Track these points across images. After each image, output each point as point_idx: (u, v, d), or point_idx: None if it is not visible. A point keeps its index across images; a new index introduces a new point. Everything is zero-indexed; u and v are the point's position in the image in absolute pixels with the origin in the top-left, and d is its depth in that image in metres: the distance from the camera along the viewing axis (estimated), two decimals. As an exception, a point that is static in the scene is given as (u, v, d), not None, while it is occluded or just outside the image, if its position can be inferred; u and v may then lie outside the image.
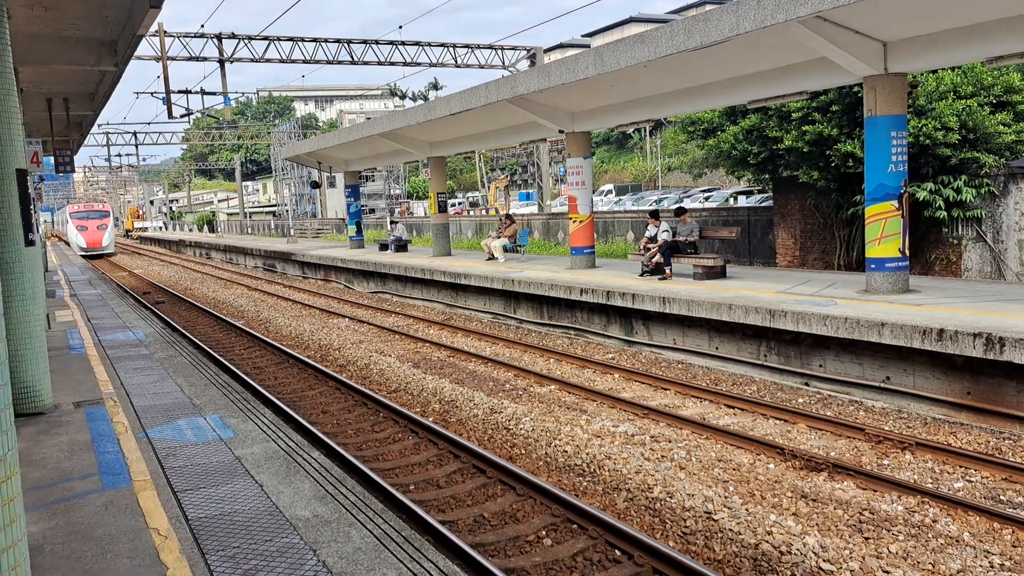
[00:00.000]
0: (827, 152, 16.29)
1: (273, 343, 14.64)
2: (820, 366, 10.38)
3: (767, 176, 20.41)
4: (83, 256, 45.13)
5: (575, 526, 6.36)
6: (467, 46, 30.17)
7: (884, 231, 11.07)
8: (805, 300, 11.12)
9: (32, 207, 11.20)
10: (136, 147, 52.83)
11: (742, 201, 30.94)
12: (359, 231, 30.51)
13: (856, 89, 14.85)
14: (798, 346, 10.66)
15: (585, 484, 7.39)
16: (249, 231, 62.21)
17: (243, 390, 8.83)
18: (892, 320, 9.23)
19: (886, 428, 8.48)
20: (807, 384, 10.44)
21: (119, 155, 57.53)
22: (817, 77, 12.02)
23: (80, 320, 14.58)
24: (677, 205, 22.46)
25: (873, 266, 11.34)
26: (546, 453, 8.17)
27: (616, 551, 5.91)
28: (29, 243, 7.30)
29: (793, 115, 16.88)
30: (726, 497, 6.72)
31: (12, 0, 9.70)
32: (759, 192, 29.68)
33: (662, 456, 7.87)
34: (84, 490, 5.45)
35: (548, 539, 6.23)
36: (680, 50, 11.68)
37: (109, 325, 14.05)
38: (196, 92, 28.37)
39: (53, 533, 4.72)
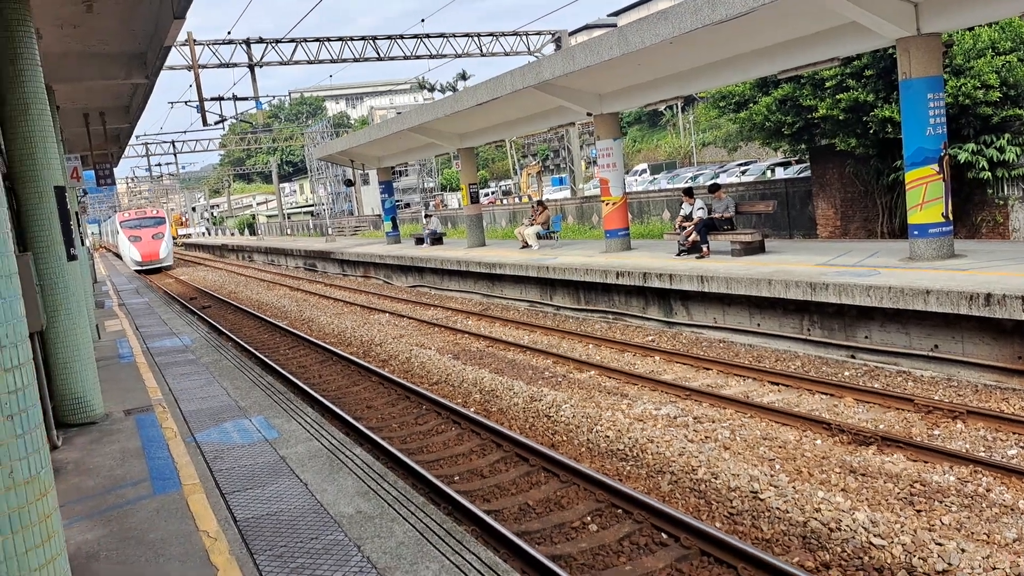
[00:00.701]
0: (864, 118, 15.92)
1: (316, 342, 14.83)
2: (866, 337, 10.18)
3: (803, 146, 20.02)
4: (138, 271, 39.52)
5: (620, 511, 6.35)
6: (491, 34, 30.07)
7: (925, 196, 10.79)
8: (847, 271, 10.90)
9: (76, 222, 11.47)
10: (175, 155, 53.73)
11: (780, 173, 30.42)
12: (395, 226, 30.71)
13: (890, 52, 14.45)
14: (842, 318, 10.47)
15: (628, 468, 7.37)
16: (289, 232, 63.06)
17: (287, 390, 8.97)
18: (938, 287, 9.01)
19: (936, 397, 8.30)
20: (853, 357, 10.25)
21: (159, 164, 58.67)
22: (848, 42, 11.74)
23: (129, 329, 14.93)
24: (712, 181, 22.17)
25: (916, 232, 11.07)
26: (588, 439, 8.16)
27: (662, 534, 5.89)
28: (71, 258, 7.48)
29: (827, 83, 16.50)
30: (772, 475, 6.64)
31: (41, 20, 9.91)
32: (797, 163, 29.13)
33: (706, 437, 7.81)
34: (136, 496, 5.59)
35: (593, 525, 6.23)
36: (705, 24, 11.49)
37: (157, 332, 14.36)
38: (228, 98, 28.75)
39: (108, 540, 4.85)
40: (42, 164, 7.16)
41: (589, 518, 6.35)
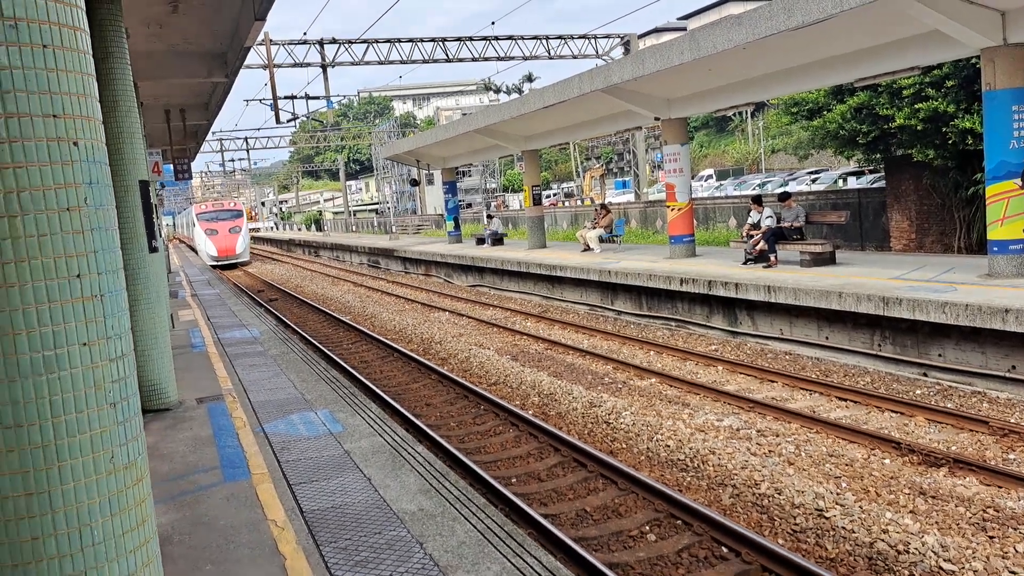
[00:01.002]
0: (943, 129, 15.43)
1: (378, 337, 15.07)
2: (939, 356, 9.87)
3: (878, 156, 19.51)
4: (213, 266, 36.95)
5: (679, 522, 6.30)
6: (560, 37, 30.08)
7: (1007, 211, 10.41)
8: (922, 286, 10.59)
9: (155, 214, 11.89)
10: (247, 152, 55.28)
11: (852, 182, 29.69)
12: (457, 226, 30.98)
13: (973, 61, 13.98)
14: (915, 335, 10.17)
15: (689, 479, 7.30)
16: (354, 229, 64.14)
17: (351, 384, 9.15)
18: (1017, 306, 8.69)
19: (1012, 420, 8.00)
20: (925, 375, 9.95)
21: (232, 160, 60.38)
22: (930, 51, 11.40)
23: (201, 319, 15.41)
24: (781, 190, 21.75)
25: (996, 249, 10.69)
26: (648, 447, 8.11)
27: (723, 548, 5.82)
28: (152, 250, 7.77)
29: (905, 91, 16.05)
30: (838, 494, 6.50)
31: (129, 20, 10.31)
32: (870, 172, 28.40)
33: (769, 451, 7.68)
34: (207, 483, 5.79)
35: (652, 534, 6.20)
36: (780, 30, 11.31)
37: (227, 323, 14.79)
38: (301, 97, 29.42)
39: (180, 524, 5.03)
40: (129, 159, 7.46)
41: (647, 527, 6.31)
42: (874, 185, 23.46)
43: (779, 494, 6.60)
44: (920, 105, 15.55)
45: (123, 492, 1.94)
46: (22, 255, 1.79)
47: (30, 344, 1.80)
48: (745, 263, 14.73)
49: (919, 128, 15.82)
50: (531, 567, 4.13)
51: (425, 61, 28.40)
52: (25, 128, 1.79)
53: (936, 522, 5.97)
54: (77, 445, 1.85)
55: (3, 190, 1.77)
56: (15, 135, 1.78)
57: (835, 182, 32.03)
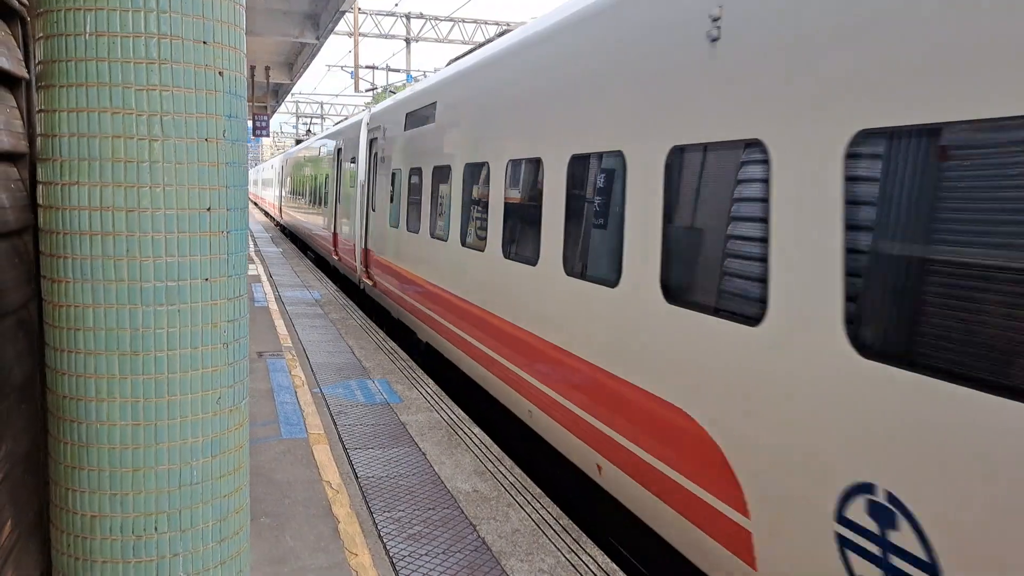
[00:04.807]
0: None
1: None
2: None
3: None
4: None
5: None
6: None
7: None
8: None
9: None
10: (322, 118, 55.92)
11: None
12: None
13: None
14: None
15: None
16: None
17: (408, 357, 9.14)
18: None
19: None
20: None
21: (306, 123, 61.10)
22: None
23: (263, 275, 15.63)
24: None
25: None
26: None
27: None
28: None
29: None
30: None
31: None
32: None
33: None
34: (265, 436, 5.82)
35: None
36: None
37: (289, 283, 14.96)
38: (382, 68, 29.64)
39: (238, 472, 5.06)
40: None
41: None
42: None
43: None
44: None
45: (225, 435, 1.90)
46: (157, 180, 1.75)
47: (155, 273, 1.76)
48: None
49: None
50: (586, 565, 4.04)
51: (509, 45, 28.31)
52: (176, 51, 1.74)
53: None
54: (188, 381, 1.81)
55: (147, 112, 1.73)
56: (165, 57, 1.73)
57: None
